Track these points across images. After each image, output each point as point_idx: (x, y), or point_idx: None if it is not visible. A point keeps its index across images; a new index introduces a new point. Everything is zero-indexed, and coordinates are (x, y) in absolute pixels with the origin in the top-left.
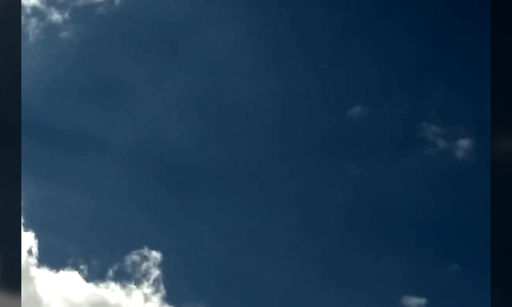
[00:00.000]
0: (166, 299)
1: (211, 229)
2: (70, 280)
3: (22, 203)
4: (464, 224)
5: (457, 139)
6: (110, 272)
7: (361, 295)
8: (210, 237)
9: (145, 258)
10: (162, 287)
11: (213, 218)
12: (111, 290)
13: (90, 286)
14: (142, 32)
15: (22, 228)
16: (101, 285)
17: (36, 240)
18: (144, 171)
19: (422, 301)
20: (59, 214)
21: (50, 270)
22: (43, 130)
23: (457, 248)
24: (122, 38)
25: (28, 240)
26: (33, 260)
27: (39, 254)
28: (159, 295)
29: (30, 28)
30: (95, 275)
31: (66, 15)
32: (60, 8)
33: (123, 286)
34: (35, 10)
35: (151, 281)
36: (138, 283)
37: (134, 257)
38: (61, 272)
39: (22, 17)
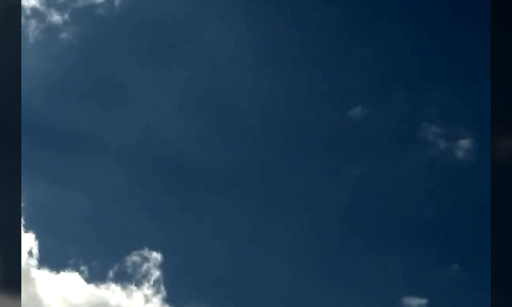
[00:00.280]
0: (167, 300)
1: (212, 229)
2: (71, 281)
3: (22, 204)
4: (464, 224)
5: (457, 139)
6: (111, 273)
7: (361, 296)
8: (210, 237)
9: (146, 259)
10: (162, 288)
11: (214, 218)
12: (111, 291)
13: (91, 287)
14: (142, 32)
15: (22, 229)
16: (102, 286)
17: (37, 241)
18: (145, 172)
19: (423, 301)
20: (59, 215)
21: (50, 271)
22: (43, 131)
23: (457, 248)
24: (122, 39)
25: (29, 241)
26: (34, 261)
27: (39, 255)
28: (159, 296)
29: (30, 29)
30: (95, 276)
31: (66, 16)
32: (60, 9)
33: (124, 287)
34: (35, 11)
35: (151, 282)
36: (138, 284)
37: (135, 258)
38: (62, 273)
39: (22, 18)
